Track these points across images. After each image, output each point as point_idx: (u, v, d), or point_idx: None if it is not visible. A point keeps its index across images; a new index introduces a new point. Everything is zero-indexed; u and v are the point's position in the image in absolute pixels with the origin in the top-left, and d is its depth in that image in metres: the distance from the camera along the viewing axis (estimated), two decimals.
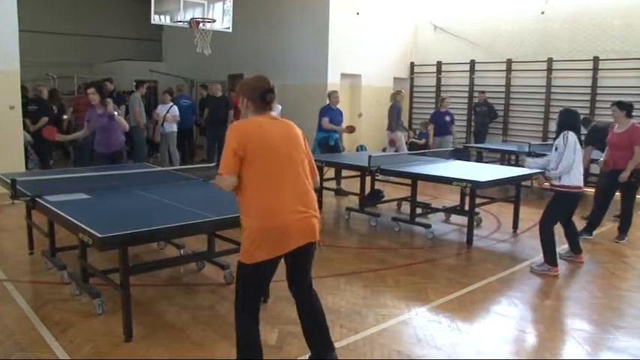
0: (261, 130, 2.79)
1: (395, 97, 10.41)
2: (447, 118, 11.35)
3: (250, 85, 2.92)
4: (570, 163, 5.01)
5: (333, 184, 8.69)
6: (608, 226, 6.91)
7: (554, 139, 5.30)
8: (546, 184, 5.53)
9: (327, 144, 8.74)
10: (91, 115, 6.66)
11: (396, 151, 10.20)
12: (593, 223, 6.47)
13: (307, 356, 3.23)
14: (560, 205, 5.24)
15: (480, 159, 10.73)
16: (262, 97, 2.87)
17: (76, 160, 10.70)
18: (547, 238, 5.14)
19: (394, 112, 10.37)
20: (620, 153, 6.17)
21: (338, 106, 9.05)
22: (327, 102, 9.07)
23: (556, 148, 5.13)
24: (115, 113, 6.56)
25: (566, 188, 5.10)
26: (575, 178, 5.09)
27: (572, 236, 5.51)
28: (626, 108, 6.19)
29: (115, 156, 6.77)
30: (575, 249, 5.51)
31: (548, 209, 5.26)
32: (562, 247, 5.56)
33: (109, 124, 6.59)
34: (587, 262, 5.52)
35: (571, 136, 5.05)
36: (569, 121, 5.17)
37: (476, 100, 12.67)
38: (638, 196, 6.43)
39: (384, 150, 11.50)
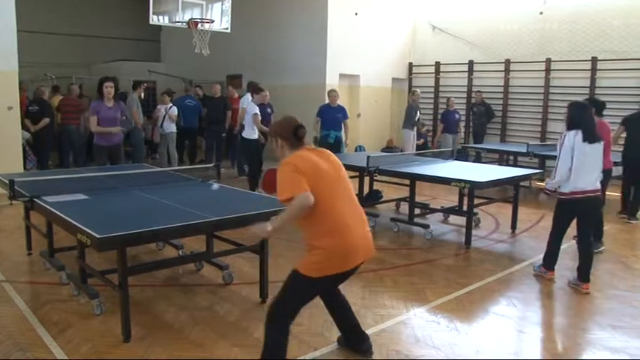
0: (311, 159, 2.94)
1: (411, 98, 10.75)
2: (456, 116, 11.63)
3: (281, 125, 3.09)
4: (568, 168, 4.62)
5: None
6: (607, 226, 6.92)
7: None
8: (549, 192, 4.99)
9: (326, 142, 8.76)
10: (101, 108, 6.84)
11: (401, 151, 10.28)
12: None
13: (307, 356, 3.23)
14: (560, 214, 4.89)
15: (478, 159, 10.74)
16: (295, 133, 3.01)
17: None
18: (550, 246, 4.96)
19: (408, 111, 10.83)
20: None
21: (340, 103, 9.11)
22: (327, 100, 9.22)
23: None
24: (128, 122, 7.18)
25: (565, 195, 4.74)
26: (575, 183, 4.66)
27: (582, 257, 4.79)
28: (594, 106, 5.63)
29: (114, 150, 6.99)
30: (581, 275, 4.77)
31: (553, 219, 4.99)
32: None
33: (115, 118, 6.93)
34: None
35: (567, 137, 4.66)
36: (576, 116, 4.73)
37: (473, 101, 12.68)
38: None
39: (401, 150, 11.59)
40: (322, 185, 2.86)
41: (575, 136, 4.65)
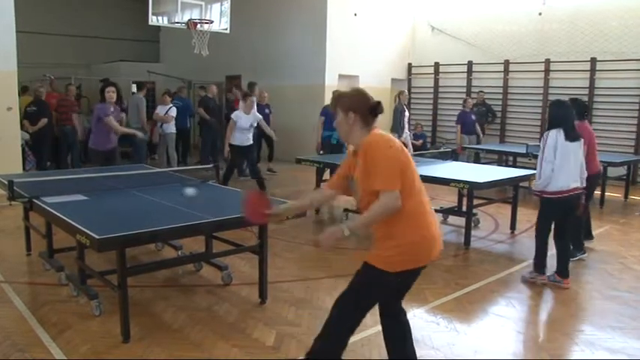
0: (399, 144, 2.69)
1: (397, 99, 10.50)
2: (473, 117, 11.48)
3: (358, 98, 2.74)
4: (550, 169, 4.63)
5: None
6: (606, 227, 6.94)
7: None
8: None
9: (329, 143, 8.75)
10: (108, 110, 6.92)
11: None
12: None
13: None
14: (546, 214, 4.89)
15: (477, 160, 10.74)
16: (373, 110, 2.71)
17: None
18: (538, 249, 4.95)
19: (396, 115, 10.49)
20: None
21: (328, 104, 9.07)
22: None
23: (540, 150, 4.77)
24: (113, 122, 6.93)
25: (551, 195, 4.72)
26: (561, 182, 4.67)
27: (561, 253, 4.88)
28: (577, 108, 5.43)
29: (109, 154, 7.04)
30: (562, 271, 4.86)
31: (538, 220, 5.00)
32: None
33: (119, 121, 7.12)
34: (585, 263, 5.53)
35: (550, 136, 4.68)
36: (557, 115, 4.76)
37: (474, 101, 12.62)
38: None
39: None
40: (413, 175, 2.64)
41: (557, 135, 4.67)
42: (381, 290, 2.74)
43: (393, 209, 2.52)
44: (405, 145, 10.48)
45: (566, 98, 5.36)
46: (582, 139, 4.85)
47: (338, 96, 2.82)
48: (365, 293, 2.73)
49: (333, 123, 9.20)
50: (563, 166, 4.65)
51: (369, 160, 2.58)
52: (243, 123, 8.14)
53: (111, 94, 6.93)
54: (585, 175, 4.93)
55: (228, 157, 8.31)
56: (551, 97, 11.61)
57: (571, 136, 4.70)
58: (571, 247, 5.29)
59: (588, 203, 6.25)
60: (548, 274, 4.91)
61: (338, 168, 3.00)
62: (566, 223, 4.89)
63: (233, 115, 8.29)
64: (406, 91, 11.70)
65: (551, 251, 5.05)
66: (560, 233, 4.91)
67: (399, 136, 10.64)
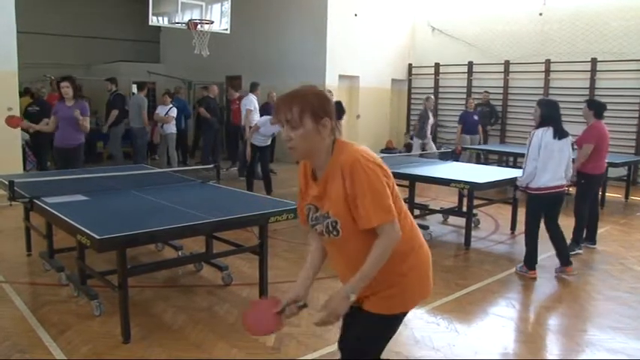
0: None
1: (424, 104, 10.77)
2: (475, 118, 11.50)
3: (324, 97, 2.04)
4: (534, 166, 4.79)
5: None
6: (607, 227, 6.93)
7: None
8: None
9: None
10: (59, 108, 6.63)
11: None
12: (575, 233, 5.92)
13: (307, 356, 3.23)
14: (532, 210, 5.02)
15: (478, 160, 10.74)
16: (340, 115, 2.23)
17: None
18: (528, 245, 5.04)
19: (422, 121, 10.74)
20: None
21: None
22: None
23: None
24: (79, 116, 6.49)
25: (535, 191, 4.89)
26: (541, 180, 4.81)
27: (558, 243, 5.06)
28: (594, 107, 5.84)
29: (71, 153, 6.66)
30: (563, 260, 5.05)
31: (526, 216, 5.09)
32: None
33: (71, 117, 6.52)
34: (585, 263, 5.52)
35: (535, 135, 4.84)
36: (546, 114, 4.91)
37: (476, 101, 12.59)
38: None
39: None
40: (397, 193, 2.07)
41: (543, 134, 4.83)
42: (389, 337, 2.22)
43: (396, 243, 1.99)
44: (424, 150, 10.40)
45: (566, 99, 5.45)
46: (570, 137, 5.00)
47: (299, 97, 1.98)
48: (379, 348, 2.22)
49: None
50: (546, 164, 4.80)
51: (357, 186, 1.91)
52: (266, 131, 8.24)
53: (65, 89, 6.53)
54: (571, 172, 5.10)
55: (248, 159, 8.36)
56: (552, 98, 11.61)
57: (559, 134, 4.84)
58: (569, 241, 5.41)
59: (597, 205, 6.29)
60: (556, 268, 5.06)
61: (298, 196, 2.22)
62: (552, 220, 5.04)
63: (260, 121, 8.38)
64: (432, 96, 11.66)
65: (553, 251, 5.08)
66: (550, 228, 5.06)
67: (422, 142, 10.77)
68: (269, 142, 8.51)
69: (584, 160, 5.68)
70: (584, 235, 5.98)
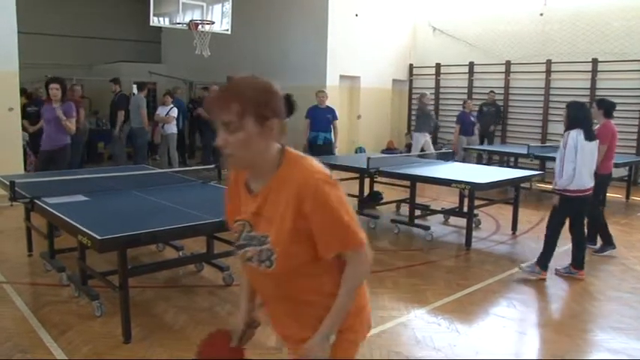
0: None
1: (420, 101, 10.70)
2: (472, 118, 11.53)
3: (277, 95, 1.70)
4: (572, 168, 4.72)
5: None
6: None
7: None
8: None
9: (315, 144, 8.72)
10: (46, 109, 6.59)
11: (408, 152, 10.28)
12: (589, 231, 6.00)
13: None
14: (561, 212, 4.96)
15: (479, 161, 10.74)
16: (290, 113, 1.73)
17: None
18: (548, 245, 4.99)
19: (422, 116, 10.71)
20: None
21: (330, 104, 9.02)
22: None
23: (560, 150, 4.88)
24: (62, 116, 6.38)
25: (571, 193, 4.82)
26: (580, 182, 4.79)
27: (580, 245, 5.05)
28: (604, 106, 5.86)
29: (56, 154, 6.55)
30: (576, 263, 5.05)
31: (552, 218, 5.04)
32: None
33: (55, 117, 6.42)
34: (587, 264, 5.49)
35: (571, 136, 4.77)
36: (577, 116, 4.85)
37: (484, 100, 12.49)
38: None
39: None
40: None
41: (577, 135, 4.78)
42: None
43: (369, 268, 1.79)
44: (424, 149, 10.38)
45: (567, 99, 5.44)
46: (597, 140, 4.99)
47: (238, 91, 1.63)
48: None
49: (318, 124, 9.15)
50: (583, 165, 4.78)
51: (324, 213, 1.59)
52: None
53: (54, 91, 6.43)
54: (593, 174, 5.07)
55: None
56: (553, 98, 11.66)
57: (589, 136, 4.83)
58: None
59: (602, 206, 6.28)
60: (558, 267, 5.07)
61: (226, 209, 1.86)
62: (579, 222, 5.05)
63: None
64: (428, 92, 11.64)
65: (560, 248, 5.08)
66: (577, 231, 5.06)
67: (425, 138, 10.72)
68: None
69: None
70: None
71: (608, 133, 5.76)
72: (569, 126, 4.87)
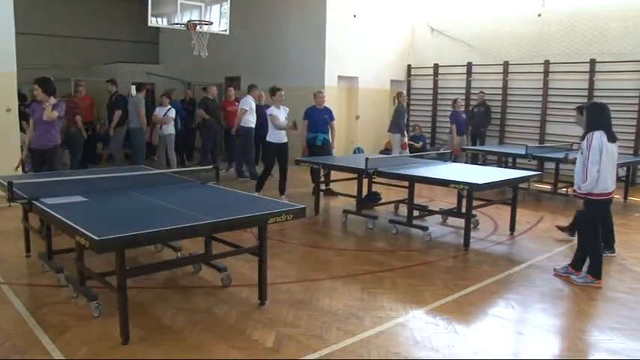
0: None
1: (396, 99, 10.58)
2: (464, 116, 11.68)
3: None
4: (596, 170, 4.64)
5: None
6: None
7: (581, 138, 4.91)
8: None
9: (314, 145, 8.72)
10: (35, 109, 6.58)
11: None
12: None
13: (307, 356, 3.23)
14: (594, 215, 4.87)
15: (475, 161, 10.74)
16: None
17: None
18: (596, 253, 4.89)
19: (395, 115, 10.64)
20: None
21: (328, 105, 9.03)
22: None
23: (581, 152, 4.78)
24: (49, 104, 6.36)
25: (597, 196, 4.75)
26: (605, 184, 4.73)
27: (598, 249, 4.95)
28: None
29: (46, 154, 6.58)
30: (576, 264, 5.03)
31: (586, 223, 4.96)
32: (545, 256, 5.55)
33: (41, 116, 6.43)
34: (586, 264, 5.52)
35: (595, 138, 4.67)
36: (597, 117, 4.77)
37: (475, 102, 12.60)
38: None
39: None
40: None
41: (601, 137, 4.71)
42: None
43: None
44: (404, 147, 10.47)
45: (565, 100, 5.42)
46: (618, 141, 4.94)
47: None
48: None
49: (316, 125, 9.20)
50: (608, 167, 4.73)
51: None
52: (281, 116, 8.29)
53: (35, 92, 6.49)
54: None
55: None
56: (551, 99, 11.68)
57: (612, 137, 4.78)
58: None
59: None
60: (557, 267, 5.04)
61: None
62: (604, 222, 5.03)
63: (271, 112, 8.36)
64: (404, 91, 11.73)
65: (559, 248, 5.07)
66: (602, 232, 5.02)
67: (402, 137, 10.76)
68: (286, 139, 8.45)
69: None
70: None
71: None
72: (590, 127, 4.77)
